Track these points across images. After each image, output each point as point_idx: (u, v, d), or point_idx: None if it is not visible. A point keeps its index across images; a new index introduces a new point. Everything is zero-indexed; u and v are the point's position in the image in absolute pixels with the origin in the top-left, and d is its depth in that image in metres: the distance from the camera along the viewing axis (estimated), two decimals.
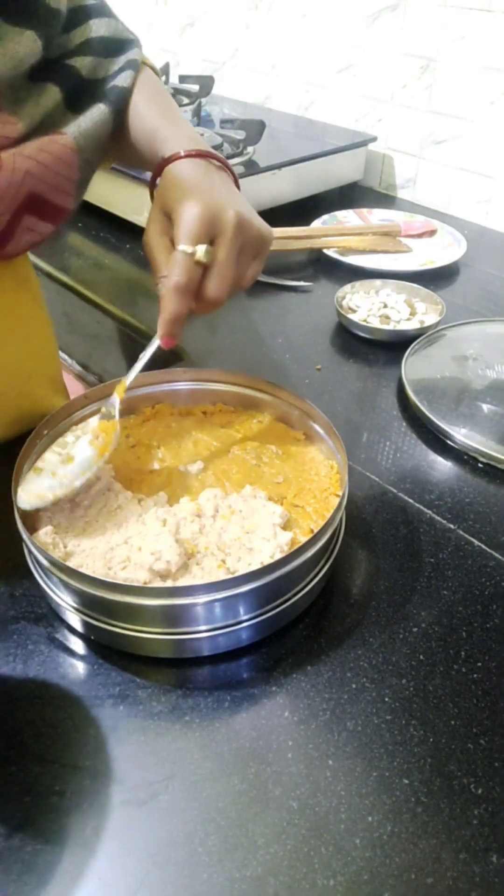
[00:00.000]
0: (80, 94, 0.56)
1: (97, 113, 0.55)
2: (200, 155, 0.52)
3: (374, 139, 1.23)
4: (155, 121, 0.56)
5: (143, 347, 0.54)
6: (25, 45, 0.51)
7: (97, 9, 0.58)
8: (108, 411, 0.55)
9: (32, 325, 0.67)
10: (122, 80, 0.56)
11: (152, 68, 0.60)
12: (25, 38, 0.51)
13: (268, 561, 0.48)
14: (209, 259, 0.49)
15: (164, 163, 0.53)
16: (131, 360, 0.79)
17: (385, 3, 1.16)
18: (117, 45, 0.59)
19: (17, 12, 0.50)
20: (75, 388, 0.83)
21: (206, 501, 0.53)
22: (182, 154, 0.52)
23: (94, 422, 0.55)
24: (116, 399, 0.55)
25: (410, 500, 0.63)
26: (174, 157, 0.52)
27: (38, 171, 0.52)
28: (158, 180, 0.53)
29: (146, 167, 0.57)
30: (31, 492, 0.51)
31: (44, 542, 0.50)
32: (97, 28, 0.58)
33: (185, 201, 0.49)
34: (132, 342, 0.90)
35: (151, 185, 0.55)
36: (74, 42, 0.57)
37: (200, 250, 0.49)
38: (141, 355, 0.54)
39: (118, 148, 0.59)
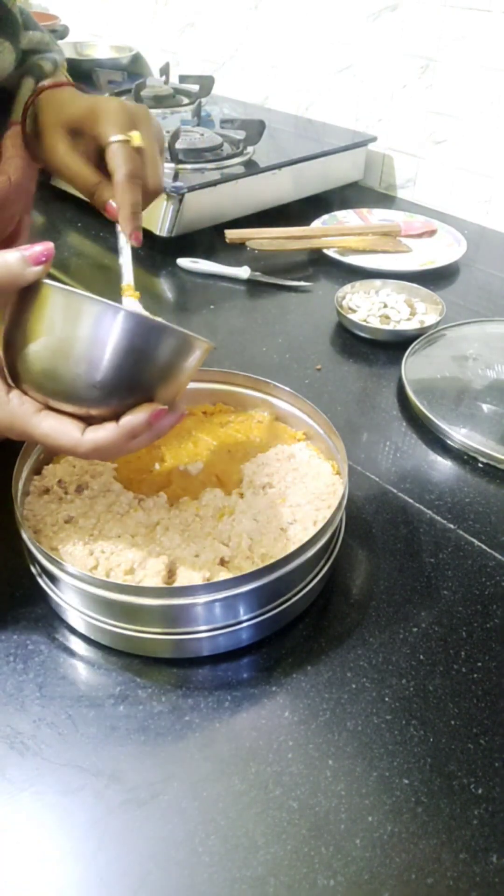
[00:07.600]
0: None
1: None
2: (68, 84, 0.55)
3: (374, 139, 1.23)
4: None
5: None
6: (7, 56, 0.53)
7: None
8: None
9: None
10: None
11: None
12: (5, 48, 0.53)
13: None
14: (144, 143, 0.50)
15: (42, 88, 0.54)
16: None
17: (385, 3, 1.15)
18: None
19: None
20: None
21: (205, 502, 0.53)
22: (64, 81, 0.55)
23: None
24: (136, 303, 0.53)
25: (410, 500, 0.63)
26: (57, 84, 0.54)
27: (25, 165, 0.54)
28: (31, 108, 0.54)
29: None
30: None
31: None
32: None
33: (99, 102, 0.51)
34: None
35: (25, 111, 0.55)
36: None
37: (135, 135, 0.49)
38: (122, 260, 0.52)
39: None
